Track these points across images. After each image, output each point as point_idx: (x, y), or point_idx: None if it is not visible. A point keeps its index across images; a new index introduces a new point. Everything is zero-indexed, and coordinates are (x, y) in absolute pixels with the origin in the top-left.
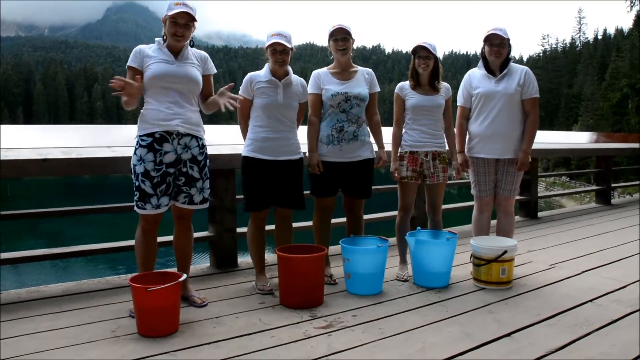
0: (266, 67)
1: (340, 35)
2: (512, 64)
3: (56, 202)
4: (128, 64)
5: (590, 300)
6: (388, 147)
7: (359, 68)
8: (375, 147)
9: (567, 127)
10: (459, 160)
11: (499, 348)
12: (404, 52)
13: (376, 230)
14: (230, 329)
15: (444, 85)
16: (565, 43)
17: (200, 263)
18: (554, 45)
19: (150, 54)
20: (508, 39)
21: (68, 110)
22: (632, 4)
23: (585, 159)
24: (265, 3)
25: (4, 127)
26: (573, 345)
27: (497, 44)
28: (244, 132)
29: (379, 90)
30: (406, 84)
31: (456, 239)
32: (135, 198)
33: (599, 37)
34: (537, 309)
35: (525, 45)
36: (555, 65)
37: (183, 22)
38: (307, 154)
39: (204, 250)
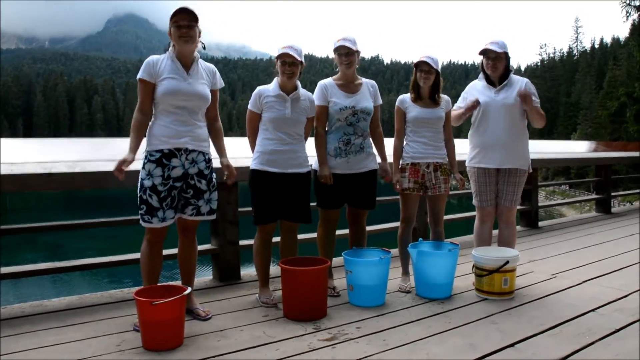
0: (275, 81)
1: (344, 51)
2: (512, 75)
3: (56, 215)
4: (140, 76)
5: (593, 310)
6: (389, 158)
7: (364, 80)
8: (379, 159)
9: (566, 136)
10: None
11: (502, 359)
12: (403, 62)
13: (378, 242)
14: (235, 342)
15: (444, 98)
16: (563, 52)
17: (203, 276)
18: (551, 55)
19: (162, 68)
20: (505, 52)
21: (68, 122)
22: (627, 14)
23: (585, 167)
24: (264, 14)
25: (7, 141)
26: (576, 356)
27: (492, 57)
28: (253, 146)
29: (381, 102)
30: (407, 96)
31: (458, 249)
32: (142, 212)
33: (596, 45)
34: (540, 319)
35: (523, 55)
36: (554, 74)
37: (185, 23)
38: (313, 166)
39: (206, 263)
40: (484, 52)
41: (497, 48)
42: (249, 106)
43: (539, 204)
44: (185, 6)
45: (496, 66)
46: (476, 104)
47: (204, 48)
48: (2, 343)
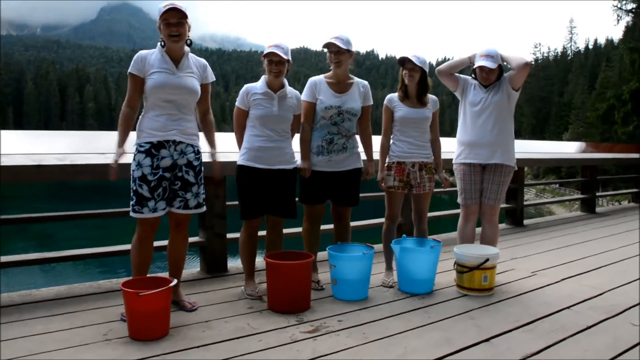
0: (262, 79)
1: (334, 49)
2: (503, 77)
3: (48, 204)
4: (129, 71)
5: (568, 307)
6: (377, 155)
7: (355, 80)
8: (364, 157)
9: (558, 135)
10: None
11: (477, 353)
12: (398, 57)
13: (364, 237)
14: (219, 333)
15: (432, 99)
16: (557, 52)
17: (191, 268)
18: (545, 54)
19: (151, 62)
20: (499, 65)
21: (59, 111)
22: (618, 18)
23: (574, 167)
24: (259, 6)
25: None
26: (548, 351)
27: (486, 71)
28: (240, 142)
29: (372, 103)
30: (395, 95)
31: (440, 246)
32: (132, 202)
33: (590, 46)
34: (516, 315)
35: (517, 54)
36: (547, 74)
37: (175, 21)
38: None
39: (194, 255)
40: (480, 69)
41: (491, 64)
42: (237, 103)
43: (528, 202)
44: (174, 4)
45: (489, 78)
46: (472, 61)
47: (190, 44)
48: None
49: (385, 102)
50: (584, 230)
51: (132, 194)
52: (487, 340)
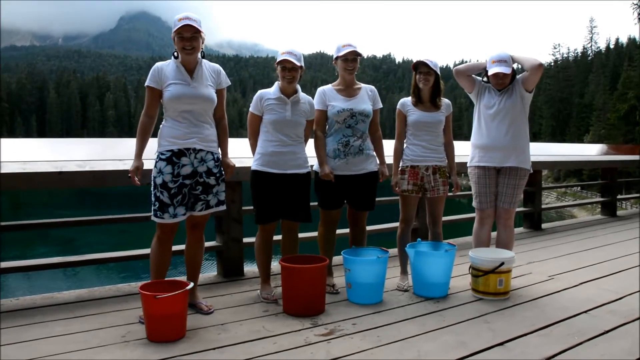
0: (276, 85)
1: (351, 57)
2: (516, 79)
3: (68, 210)
4: (147, 83)
5: (585, 312)
6: (390, 159)
7: (362, 85)
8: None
9: (579, 137)
10: None
11: (491, 356)
12: (415, 61)
13: (379, 241)
14: (234, 336)
15: (445, 102)
16: (577, 52)
17: (208, 272)
18: (565, 55)
19: (167, 75)
20: (512, 69)
21: (80, 119)
22: (639, 16)
23: (596, 169)
24: (276, 13)
25: (21, 140)
26: (563, 355)
27: (501, 76)
28: (253, 148)
29: (381, 106)
30: (408, 100)
31: (455, 250)
32: (154, 208)
33: (611, 46)
34: (532, 319)
35: (536, 55)
36: (567, 75)
37: (189, 35)
38: (314, 167)
39: (211, 259)
40: (494, 76)
41: (505, 69)
42: (250, 109)
43: (548, 205)
44: (189, 21)
45: (504, 83)
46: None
47: (203, 56)
48: (14, 332)
49: (398, 106)
50: (604, 233)
51: (153, 199)
52: (501, 344)
